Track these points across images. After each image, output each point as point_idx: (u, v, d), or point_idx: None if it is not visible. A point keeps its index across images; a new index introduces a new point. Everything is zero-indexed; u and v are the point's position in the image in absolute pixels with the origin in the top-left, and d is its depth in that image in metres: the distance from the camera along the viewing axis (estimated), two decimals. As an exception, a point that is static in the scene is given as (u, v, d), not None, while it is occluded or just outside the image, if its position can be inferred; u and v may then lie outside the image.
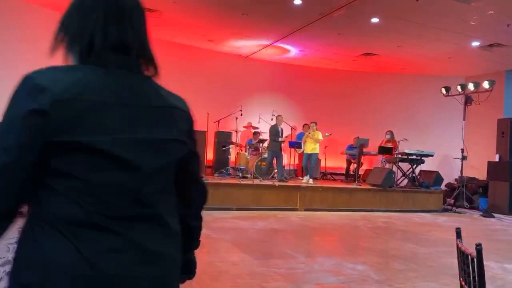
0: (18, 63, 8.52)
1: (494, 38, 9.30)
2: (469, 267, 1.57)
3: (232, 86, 12.30)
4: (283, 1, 7.99)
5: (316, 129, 9.94)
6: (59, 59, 1.02)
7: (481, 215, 9.66)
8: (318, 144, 9.94)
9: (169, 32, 10.59)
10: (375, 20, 8.64)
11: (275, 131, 9.79)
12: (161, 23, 9.88)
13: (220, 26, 9.87)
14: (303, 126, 11.43)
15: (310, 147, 9.84)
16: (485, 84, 9.56)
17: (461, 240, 1.74)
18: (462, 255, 1.64)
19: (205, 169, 10.17)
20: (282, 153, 10.15)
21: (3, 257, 4.23)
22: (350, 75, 13.32)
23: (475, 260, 1.50)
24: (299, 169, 11.81)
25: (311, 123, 10.15)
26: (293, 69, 13.05)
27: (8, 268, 3.68)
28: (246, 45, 11.34)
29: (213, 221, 6.74)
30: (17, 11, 8.79)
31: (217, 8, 8.68)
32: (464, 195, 10.09)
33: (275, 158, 9.79)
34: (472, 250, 1.54)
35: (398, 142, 11.36)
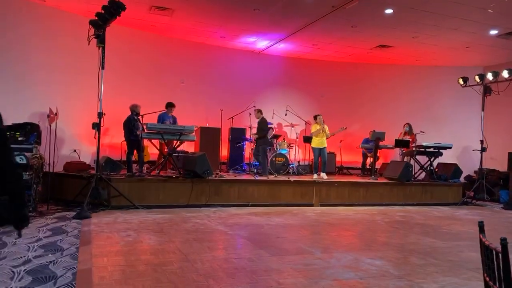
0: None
1: (513, 25, 9.04)
2: (493, 262, 1.51)
3: (245, 82, 12.28)
4: (294, -5, 7.91)
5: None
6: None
7: (502, 207, 9.45)
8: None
9: (180, 30, 10.61)
10: (389, 11, 8.48)
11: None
12: (172, 22, 9.91)
13: (231, 22, 9.84)
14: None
15: (324, 141, 9.62)
16: (505, 74, 9.30)
17: (484, 234, 1.67)
18: (487, 250, 1.57)
19: (219, 166, 10.19)
20: (268, 146, 10.01)
21: (23, 256, 4.32)
22: (364, 67, 13.14)
23: (500, 255, 1.44)
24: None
25: (317, 115, 9.75)
26: (307, 63, 12.94)
27: (28, 266, 3.79)
28: (259, 40, 11.28)
29: (229, 217, 6.75)
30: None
31: (228, 4, 8.64)
32: (484, 187, 9.86)
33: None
34: (496, 245, 1.48)
35: (415, 134, 11.18)
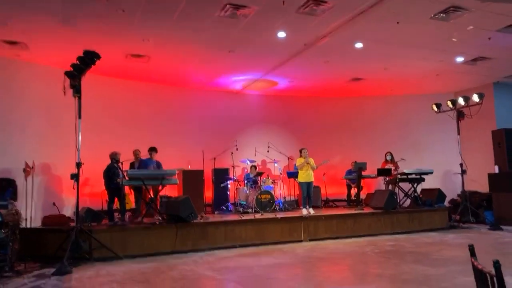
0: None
1: (477, 52, 9.46)
2: (488, 286, 1.47)
3: (225, 122, 12.34)
4: (267, 35, 8.14)
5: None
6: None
7: (488, 228, 9.48)
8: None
9: (158, 75, 10.71)
10: (359, 45, 8.79)
11: None
12: (149, 68, 10.01)
13: (208, 65, 10.00)
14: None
15: (310, 174, 9.41)
16: (475, 98, 9.63)
17: (476, 257, 1.64)
18: (480, 275, 1.53)
19: (204, 208, 10.00)
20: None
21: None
22: (341, 100, 13.42)
23: (494, 278, 1.40)
24: (300, 199, 11.60)
25: (302, 149, 9.55)
26: (285, 100, 13.16)
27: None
28: (236, 80, 11.46)
29: (216, 261, 6.54)
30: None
31: (203, 48, 8.81)
32: (469, 209, 9.92)
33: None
34: (490, 269, 1.44)
35: (397, 162, 11.31)
